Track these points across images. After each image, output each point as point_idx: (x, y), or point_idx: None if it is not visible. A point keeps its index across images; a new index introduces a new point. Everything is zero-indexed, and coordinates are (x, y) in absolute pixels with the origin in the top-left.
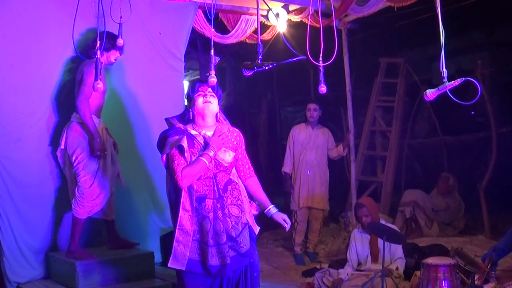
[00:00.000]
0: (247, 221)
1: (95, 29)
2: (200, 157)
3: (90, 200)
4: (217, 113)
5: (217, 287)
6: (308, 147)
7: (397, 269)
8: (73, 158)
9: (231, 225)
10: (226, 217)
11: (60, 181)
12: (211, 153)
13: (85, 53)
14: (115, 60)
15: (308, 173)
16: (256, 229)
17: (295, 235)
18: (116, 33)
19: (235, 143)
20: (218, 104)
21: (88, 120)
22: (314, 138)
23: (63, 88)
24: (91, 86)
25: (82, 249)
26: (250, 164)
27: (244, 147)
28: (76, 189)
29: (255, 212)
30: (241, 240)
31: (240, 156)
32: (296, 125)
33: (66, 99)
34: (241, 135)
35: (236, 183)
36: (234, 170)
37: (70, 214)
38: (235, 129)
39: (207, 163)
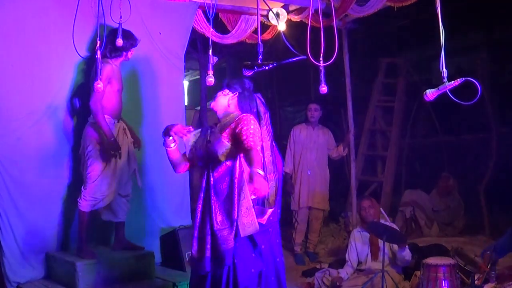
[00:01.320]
0: (236, 220)
1: (109, 28)
2: None
3: (91, 194)
4: (228, 105)
5: (206, 284)
6: (309, 147)
7: None
8: (85, 154)
9: (217, 220)
10: (212, 211)
11: (60, 181)
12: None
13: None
14: (130, 56)
15: (309, 173)
16: (244, 230)
17: (295, 235)
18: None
19: (232, 126)
20: (234, 97)
21: (100, 121)
22: (314, 138)
23: (63, 88)
24: (103, 87)
25: (87, 247)
26: (252, 154)
27: (244, 131)
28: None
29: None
30: (221, 237)
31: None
32: (296, 125)
33: (67, 99)
34: (244, 118)
35: (237, 177)
36: (241, 164)
37: (71, 214)
38: (243, 114)
39: (169, 147)
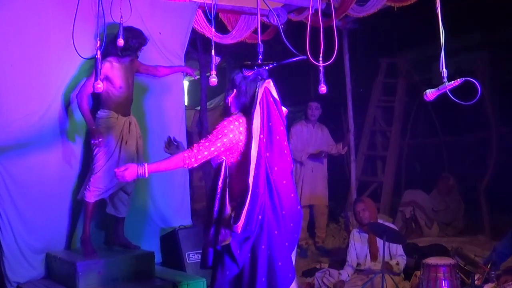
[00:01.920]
0: (213, 224)
1: (113, 28)
2: None
3: (96, 185)
4: (229, 105)
5: None
6: (310, 145)
7: (397, 263)
8: (92, 146)
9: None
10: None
11: (60, 181)
12: None
13: (107, 51)
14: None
15: (312, 171)
16: (221, 240)
17: None
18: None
19: None
20: (233, 95)
21: (82, 110)
22: (315, 135)
23: (64, 88)
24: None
25: (90, 241)
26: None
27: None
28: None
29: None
30: (204, 239)
31: None
32: (296, 123)
33: (67, 99)
34: (223, 120)
35: (219, 185)
36: (225, 170)
37: (71, 214)
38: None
39: (146, 175)
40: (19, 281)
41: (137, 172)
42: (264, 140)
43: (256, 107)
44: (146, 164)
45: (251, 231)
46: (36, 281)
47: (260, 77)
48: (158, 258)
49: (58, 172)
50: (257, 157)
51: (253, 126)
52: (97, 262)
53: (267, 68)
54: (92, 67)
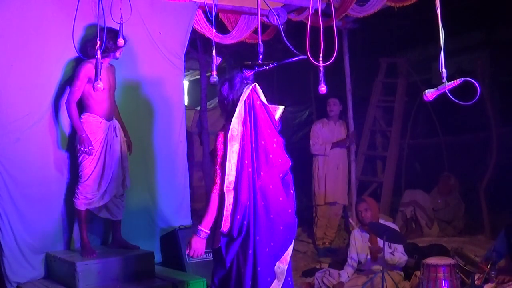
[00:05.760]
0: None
1: (92, 27)
2: None
3: (84, 193)
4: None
5: None
6: (331, 142)
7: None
8: (77, 154)
9: None
10: None
11: (60, 181)
12: None
13: (85, 52)
14: (120, 55)
15: (337, 168)
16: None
17: (316, 230)
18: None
19: None
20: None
21: (72, 118)
22: (337, 133)
23: (63, 88)
24: (79, 87)
25: (89, 245)
26: (215, 174)
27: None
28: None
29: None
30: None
31: None
32: (317, 120)
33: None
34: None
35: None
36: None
37: (71, 214)
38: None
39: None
40: (19, 281)
41: (200, 238)
42: (253, 145)
43: (237, 109)
44: (200, 227)
45: (236, 234)
46: (36, 281)
47: (245, 81)
48: (158, 258)
49: (58, 172)
50: (238, 163)
51: (230, 126)
52: (97, 262)
53: (267, 68)
54: (72, 71)
